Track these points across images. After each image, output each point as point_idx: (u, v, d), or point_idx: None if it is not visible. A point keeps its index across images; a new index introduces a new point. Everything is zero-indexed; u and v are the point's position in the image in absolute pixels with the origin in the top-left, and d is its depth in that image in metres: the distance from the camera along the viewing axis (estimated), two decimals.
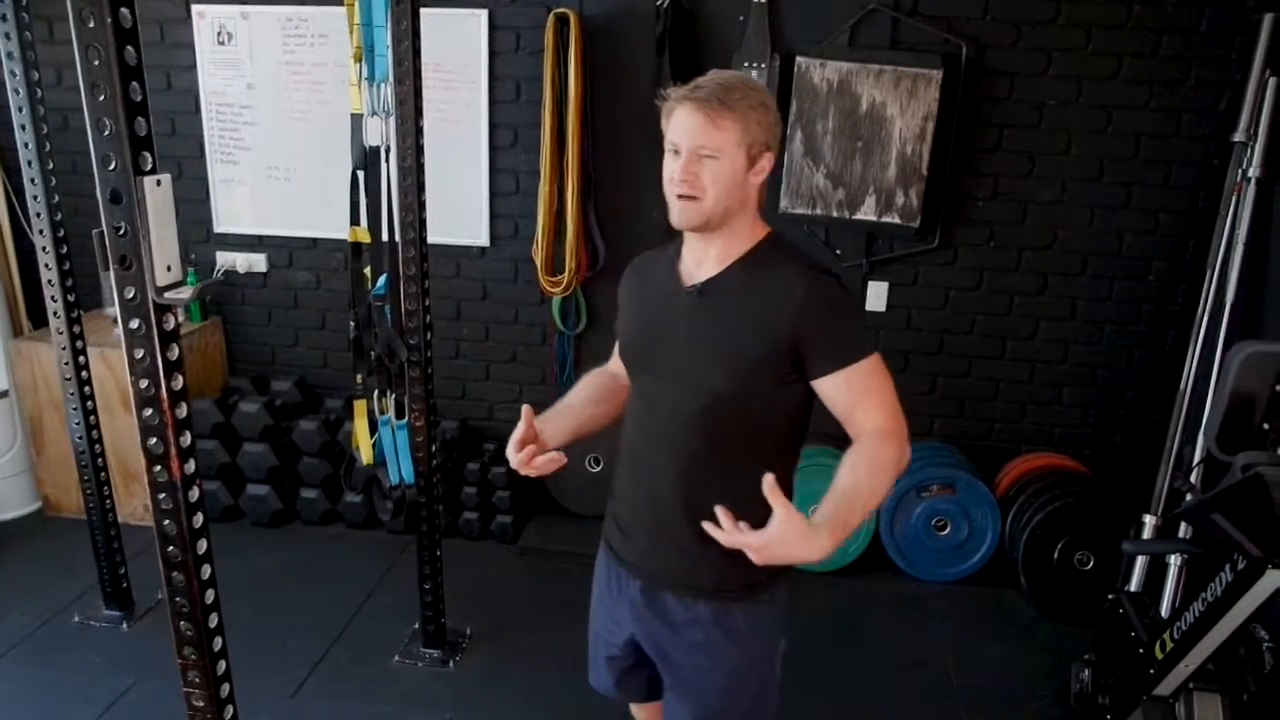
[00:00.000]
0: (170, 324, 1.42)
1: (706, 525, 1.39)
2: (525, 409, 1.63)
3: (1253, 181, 3.04)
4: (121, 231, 1.34)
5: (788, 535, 1.31)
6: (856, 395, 1.48)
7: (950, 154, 3.29)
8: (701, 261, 1.57)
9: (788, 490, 1.53)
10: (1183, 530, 2.98)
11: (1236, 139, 3.08)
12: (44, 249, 2.79)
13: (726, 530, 1.36)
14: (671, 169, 1.49)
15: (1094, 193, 3.34)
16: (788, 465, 1.61)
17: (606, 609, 1.79)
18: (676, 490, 1.58)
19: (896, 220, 3.29)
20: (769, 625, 1.65)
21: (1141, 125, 3.25)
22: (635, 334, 1.68)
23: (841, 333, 1.49)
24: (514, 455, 1.60)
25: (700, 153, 1.46)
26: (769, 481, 1.32)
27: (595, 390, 1.81)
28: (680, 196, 1.48)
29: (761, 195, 1.55)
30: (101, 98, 1.28)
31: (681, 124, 1.46)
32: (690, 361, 1.55)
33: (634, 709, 2.00)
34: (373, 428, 2.74)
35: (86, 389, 2.93)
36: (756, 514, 1.34)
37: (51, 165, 2.79)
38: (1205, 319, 3.14)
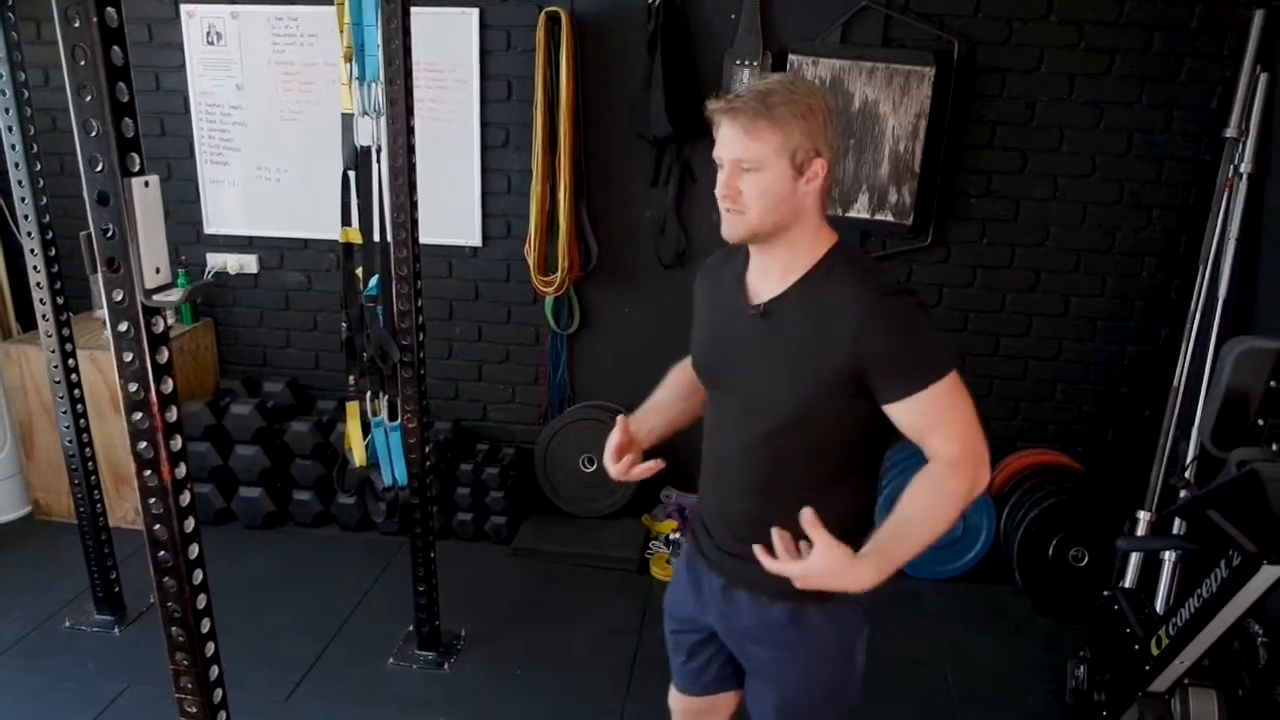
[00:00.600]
0: (159, 327, 1.40)
1: (757, 550, 1.41)
2: (620, 418, 1.61)
3: (1244, 177, 3.04)
4: (109, 234, 1.33)
5: (830, 566, 1.35)
6: (928, 421, 1.42)
7: (943, 151, 3.28)
8: (766, 276, 1.52)
9: (869, 505, 1.57)
10: (1177, 526, 2.99)
11: (1228, 135, 3.09)
12: (32, 251, 2.77)
13: (779, 556, 1.38)
14: (719, 181, 1.45)
15: (1086, 189, 3.34)
16: (863, 481, 1.58)
17: (690, 598, 1.76)
18: (746, 507, 1.58)
19: (889, 218, 3.28)
20: (846, 622, 1.61)
21: (1133, 121, 3.25)
22: (705, 348, 1.66)
23: (906, 357, 1.41)
24: (612, 465, 1.59)
25: (741, 165, 1.41)
26: (808, 516, 1.36)
27: (681, 385, 1.77)
28: (727, 210, 1.45)
29: (822, 203, 1.48)
30: (88, 98, 1.26)
31: (722, 136, 1.43)
32: (755, 384, 1.52)
33: (676, 701, 1.95)
34: (365, 429, 2.73)
35: (76, 392, 2.91)
36: (830, 525, 1.37)
37: (39, 166, 2.77)
38: (1198, 315, 3.14)
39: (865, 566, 1.36)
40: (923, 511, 1.40)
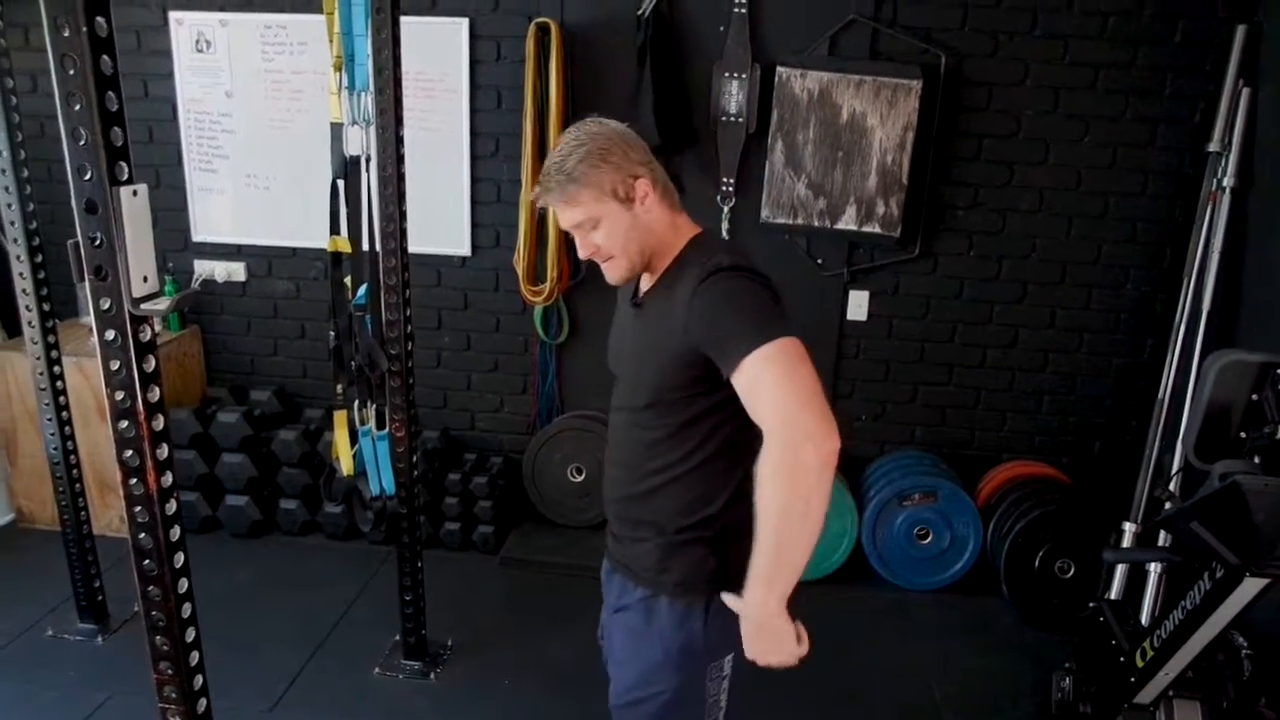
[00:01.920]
0: (146, 335, 1.40)
1: None
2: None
3: (1227, 191, 3.08)
4: (97, 242, 1.32)
5: (749, 637, 1.50)
6: (750, 393, 1.39)
7: (930, 164, 3.31)
8: (648, 277, 1.63)
9: (726, 493, 1.55)
10: (1162, 538, 3.00)
11: (1211, 149, 3.12)
12: (18, 257, 2.75)
13: None
14: (578, 248, 1.58)
15: (1072, 202, 3.37)
16: (721, 468, 1.55)
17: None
18: (620, 487, 1.66)
19: (877, 230, 3.30)
20: (700, 637, 1.59)
21: (1118, 135, 3.29)
22: (610, 343, 1.77)
23: (726, 329, 1.41)
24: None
25: (582, 230, 1.54)
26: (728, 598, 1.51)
27: None
28: (601, 263, 1.58)
29: (666, 205, 1.56)
30: (77, 107, 1.26)
31: (554, 214, 1.59)
32: (630, 371, 1.64)
33: None
34: (353, 438, 2.72)
35: (61, 399, 2.89)
36: (692, 518, 1.55)
37: (26, 173, 2.75)
38: (1182, 327, 3.17)
39: (753, 604, 1.44)
40: (766, 504, 1.36)
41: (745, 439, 1.46)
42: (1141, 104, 3.25)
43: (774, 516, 1.36)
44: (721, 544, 1.57)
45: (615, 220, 1.52)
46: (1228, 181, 3.08)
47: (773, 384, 1.36)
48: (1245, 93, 3.05)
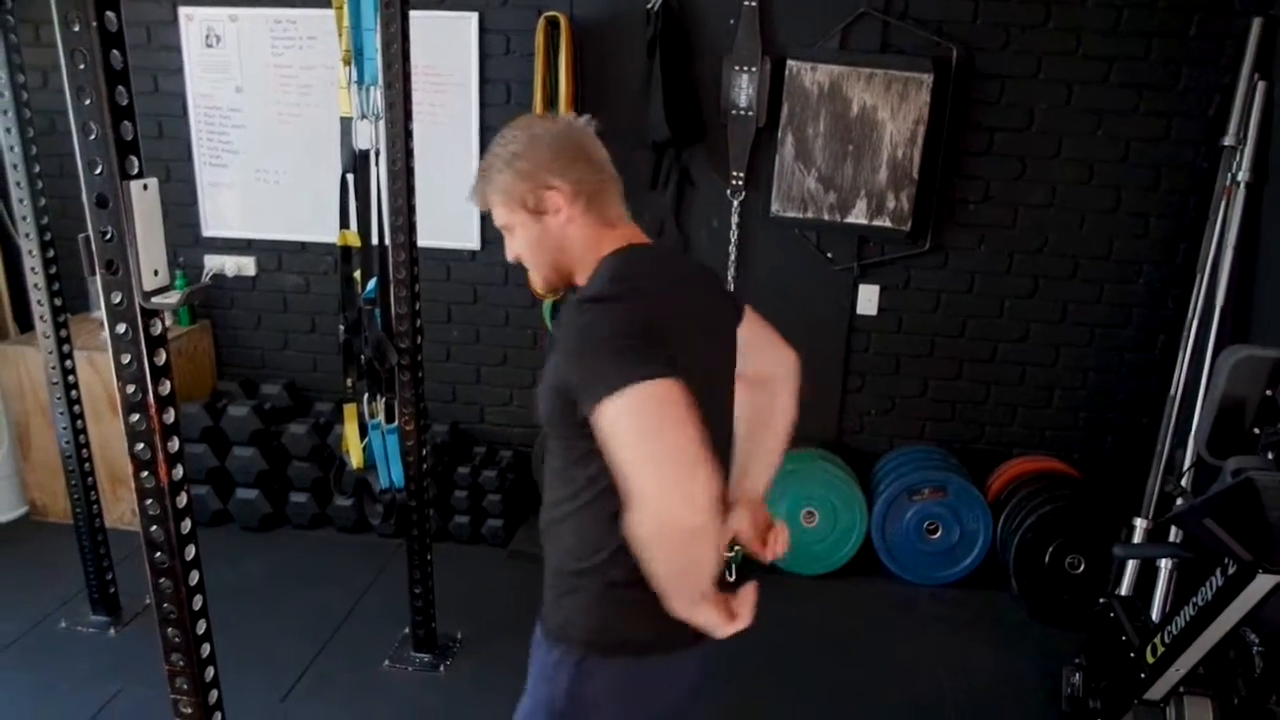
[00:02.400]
0: (157, 329, 1.41)
1: None
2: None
3: (1242, 185, 3.05)
4: (108, 236, 1.33)
5: None
6: (609, 449, 1.20)
7: (941, 157, 3.29)
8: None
9: (619, 540, 1.27)
10: (1174, 534, 2.99)
11: (1226, 143, 3.10)
12: (30, 252, 2.77)
13: None
14: None
15: (1084, 196, 3.35)
16: (618, 518, 1.25)
17: None
18: (541, 515, 1.53)
19: (888, 224, 3.29)
20: (564, 695, 1.44)
21: (1131, 129, 3.26)
22: None
23: (583, 371, 1.24)
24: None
25: (504, 232, 1.48)
26: None
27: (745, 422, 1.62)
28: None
29: (590, 219, 1.42)
30: (87, 102, 1.27)
31: None
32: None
33: None
34: (363, 432, 2.73)
35: (74, 393, 2.91)
36: (577, 562, 1.41)
37: (38, 168, 2.77)
38: (1195, 323, 3.15)
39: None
40: (647, 563, 1.22)
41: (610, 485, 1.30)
42: (1155, 98, 3.22)
43: (658, 577, 1.23)
44: (603, 602, 1.41)
45: (524, 230, 1.45)
46: (1242, 176, 3.05)
47: (623, 446, 1.18)
48: (1261, 86, 3.02)
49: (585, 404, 1.21)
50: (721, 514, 1.22)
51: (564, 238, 1.43)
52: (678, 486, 1.14)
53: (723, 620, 1.28)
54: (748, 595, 1.32)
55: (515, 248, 1.48)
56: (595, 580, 1.41)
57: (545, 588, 1.52)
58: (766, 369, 1.60)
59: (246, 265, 3.82)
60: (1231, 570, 1.97)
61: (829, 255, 3.49)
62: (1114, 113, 3.25)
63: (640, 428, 1.17)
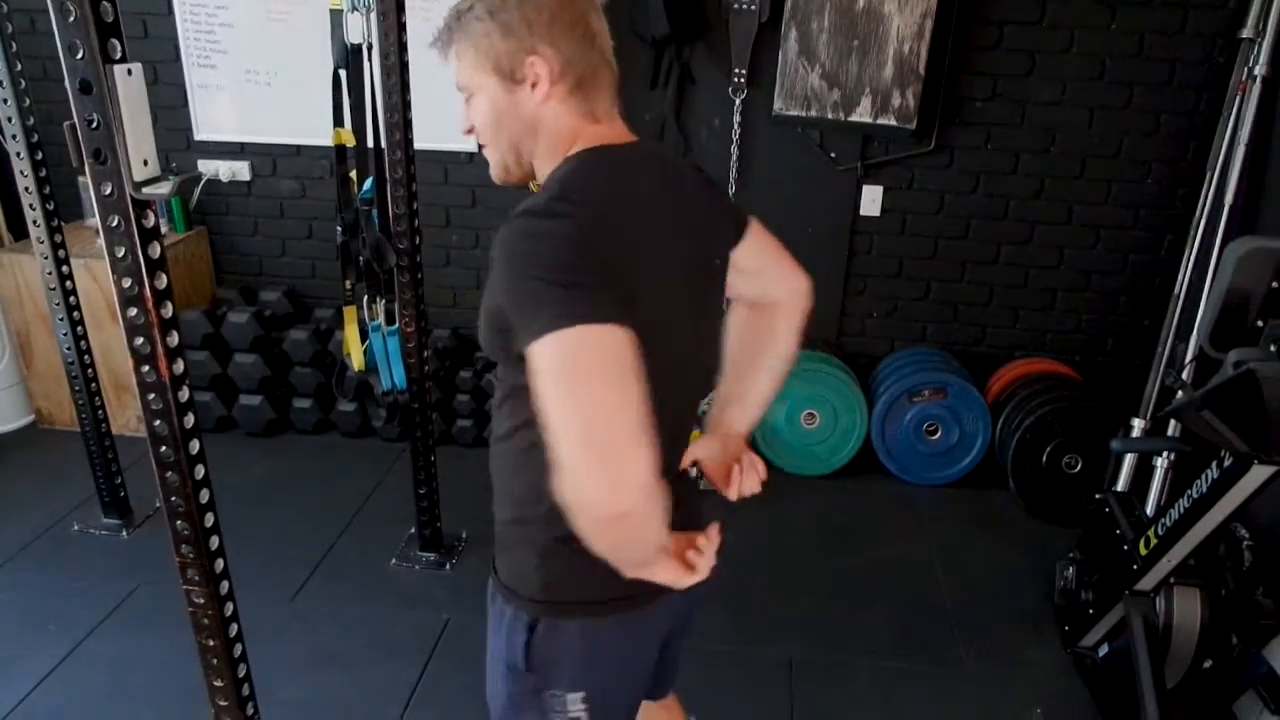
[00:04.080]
0: (150, 221, 1.38)
1: None
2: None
3: (1258, 80, 2.97)
4: (94, 124, 1.29)
5: None
6: (536, 394, 1.00)
7: (949, 52, 3.20)
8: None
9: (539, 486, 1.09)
10: (1171, 429, 3.01)
11: (1244, 35, 3.00)
12: (18, 154, 2.71)
13: None
14: None
15: (1095, 93, 3.27)
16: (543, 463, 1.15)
17: None
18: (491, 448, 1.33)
19: (892, 122, 3.22)
20: (522, 658, 1.28)
21: (1146, 21, 3.16)
22: None
23: (512, 302, 1.04)
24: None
25: (464, 97, 1.22)
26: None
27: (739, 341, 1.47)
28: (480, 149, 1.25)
29: (577, 102, 1.19)
30: None
31: None
32: None
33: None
34: (363, 335, 2.72)
35: (72, 299, 2.90)
36: (519, 509, 1.25)
37: (20, 68, 2.70)
38: (1203, 221, 3.11)
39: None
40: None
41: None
42: None
43: (592, 547, 1.05)
44: (549, 558, 1.24)
45: (489, 98, 1.19)
46: (1259, 70, 2.96)
47: (548, 402, 0.98)
48: None
49: (519, 337, 1.01)
50: (663, 487, 1.02)
51: (536, 119, 1.18)
52: (604, 468, 0.96)
53: (681, 574, 1.14)
54: (710, 540, 1.19)
55: (473, 118, 1.22)
56: (539, 533, 1.22)
57: (498, 535, 1.33)
58: (771, 295, 1.42)
59: (241, 170, 3.76)
60: (1227, 462, 1.99)
61: (832, 155, 3.43)
62: (1129, 4, 3.15)
63: (569, 386, 0.97)
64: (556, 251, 1.02)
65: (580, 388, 0.97)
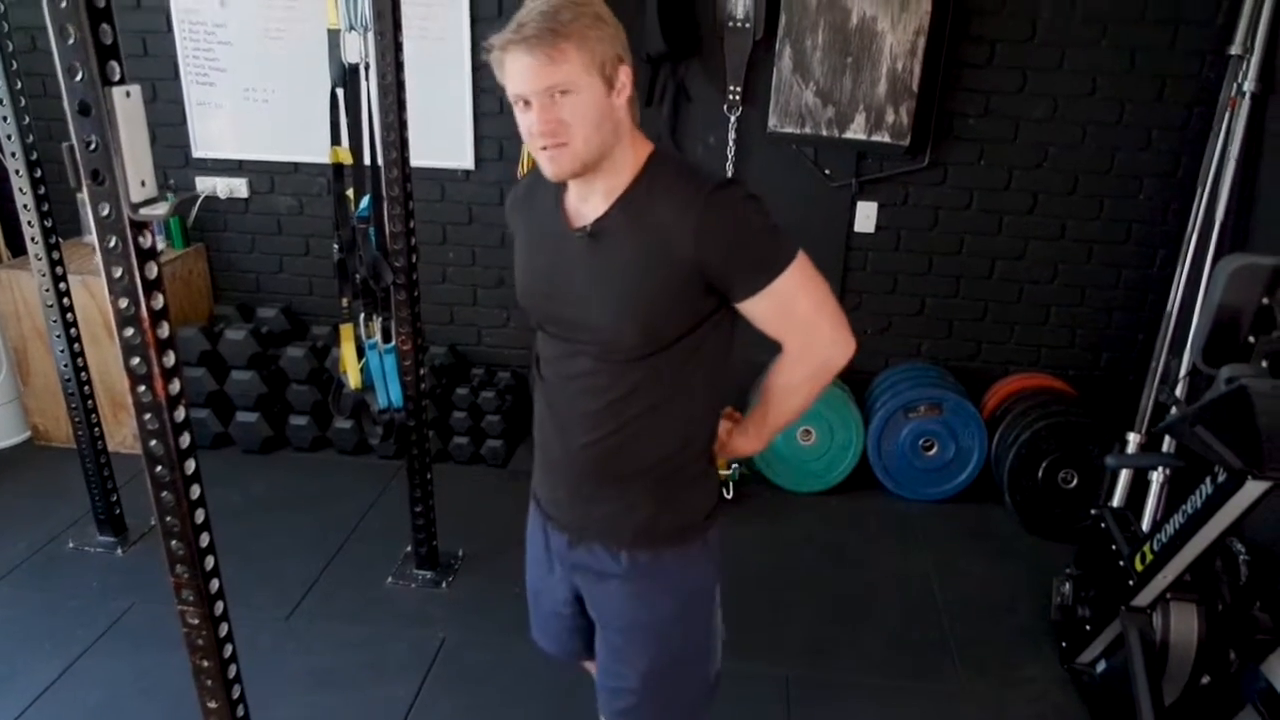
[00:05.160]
0: (147, 241, 1.39)
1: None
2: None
3: (1247, 96, 3.00)
4: (92, 145, 1.30)
5: (732, 439, 1.62)
6: (776, 314, 1.40)
7: (941, 70, 3.22)
8: (587, 198, 1.41)
9: (712, 413, 1.55)
10: (1166, 446, 3.02)
11: (1233, 52, 3.03)
12: (17, 172, 2.73)
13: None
14: (528, 122, 1.32)
15: (1086, 109, 3.30)
16: (714, 402, 1.54)
17: (543, 566, 1.69)
18: (595, 438, 1.47)
19: (886, 139, 3.24)
20: (703, 570, 1.58)
21: (1136, 38, 3.19)
22: (531, 281, 1.54)
23: (747, 253, 1.35)
24: None
25: (552, 94, 1.28)
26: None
27: None
28: (546, 148, 1.33)
29: (632, 112, 1.38)
30: (63, 4, 1.23)
31: (519, 71, 1.28)
32: (592, 309, 1.41)
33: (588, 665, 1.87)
34: (360, 352, 2.73)
35: (69, 316, 2.90)
36: (685, 453, 1.50)
37: (20, 86, 2.71)
38: (1194, 237, 3.13)
39: (752, 449, 1.62)
40: (791, 400, 1.53)
41: (721, 365, 1.49)
42: (1161, 6, 3.14)
43: (790, 407, 1.54)
44: (708, 478, 1.57)
45: (593, 99, 1.30)
46: (1248, 86, 2.99)
47: (808, 301, 1.40)
48: None
49: (760, 277, 1.35)
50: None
51: (617, 122, 1.35)
52: (846, 328, 1.44)
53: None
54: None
55: (563, 113, 1.29)
56: (702, 461, 1.54)
57: (616, 515, 1.52)
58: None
59: (239, 187, 3.78)
60: (1221, 478, 1.99)
61: (827, 172, 3.45)
62: (1119, 21, 3.18)
63: (817, 283, 1.41)
64: (761, 206, 1.37)
65: (820, 285, 1.41)
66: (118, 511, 3.13)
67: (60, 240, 2.86)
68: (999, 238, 3.50)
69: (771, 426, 1.59)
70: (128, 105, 1.30)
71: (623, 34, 1.35)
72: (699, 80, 3.39)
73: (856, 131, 3.24)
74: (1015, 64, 3.27)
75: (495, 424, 3.65)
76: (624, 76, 1.35)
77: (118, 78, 1.29)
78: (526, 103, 1.31)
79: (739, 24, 3.23)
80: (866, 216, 3.49)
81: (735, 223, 1.34)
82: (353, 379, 2.74)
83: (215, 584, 1.69)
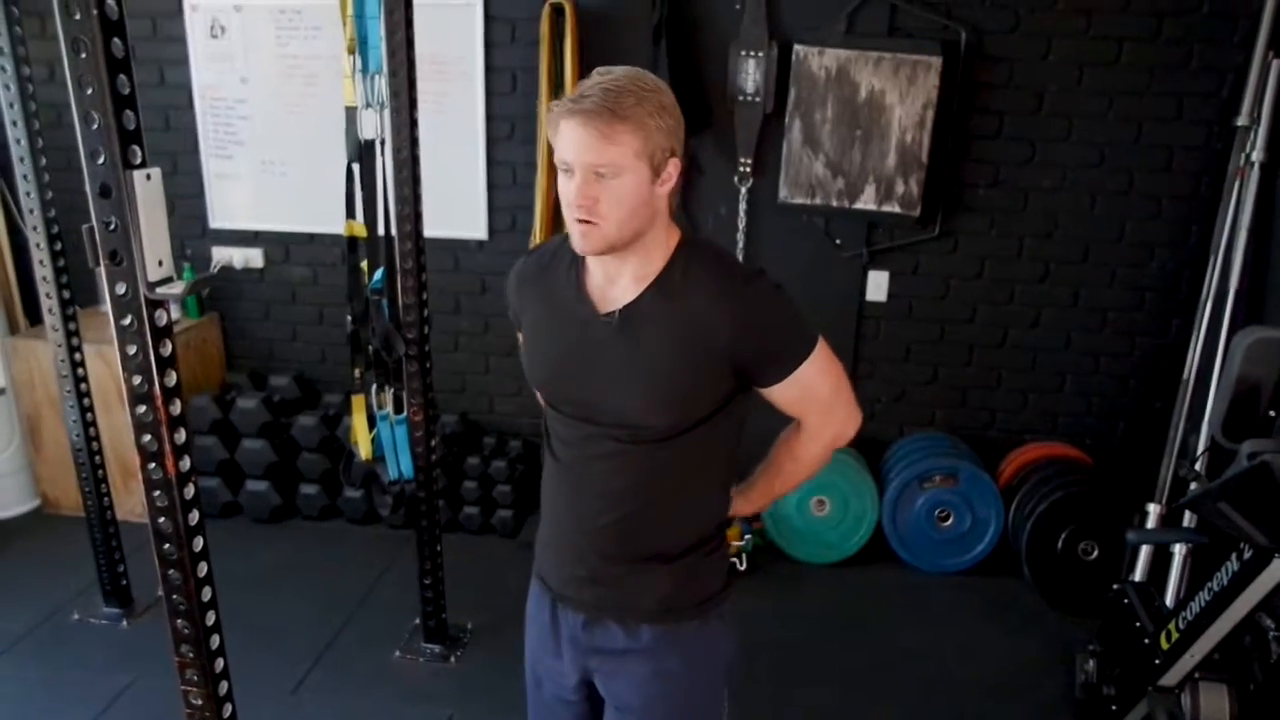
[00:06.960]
0: (163, 320, 1.40)
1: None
2: None
3: (1256, 166, 3.01)
4: (111, 226, 1.32)
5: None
6: (799, 396, 1.46)
7: (950, 141, 3.26)
8: (614, 280, 1.40)
9: (726, 495, 1.58)
10: (1188, 519, 2.96)
11: (1239, 123, 3.06)
12: (38, 245, 2.77)
13: None
14: (568, 191, 1.31)
15: (1095, 179, 3.32)
16: (729, 477, 1.57)
17: (549, 650, 1.62)
18: (614, 521, 1.46)
19: (897, 209, 3.26)
20: (722, 641, 1.58)
21: (1143, 110, 3.23)
22: (547, 366, 1.51)
23: (779, 341, 1.41)
24: None
25: (596, 171, 1.28)
26: None
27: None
28: (580, 221, 1.31)
29: (672, 204, 1.39)
30: (89, 91, 1.25)
31: (570, 140, 1.28)
32: (620, 397, 1.40)
33: None
34: (371, 423, 2.72)
35: (83, 385, 2.92)
36: (705, 528, 1.52)
37: (44, 161, 2.77)
38: (1209, 306, 3.12)
39: (749, 501, 1.65)
40: (800, 470, 1.59)
41: (736, 442, 1.52)
42: (1168, 77, 3.18)
43: (799, 477, 1.60)
44: (723, 555, 1.58)
45: (635, 185, 1.30)
46: (1256, 156, 3.01)
47: (828, 384, 1.47)
48: (1275, 64, 2.98)
49: (789, 363, 1.40)
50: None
51: (656, 211, 1.36)
52: (856, 407, 1.53)
53: None
54: None
55: (602, 194, 1.29)
56: (718, 540, 1.56)
57: (637, 591, 1.50)
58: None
59: (254, 257, 3.82)
60: (1247, 555, 1.95)
61: (837, 242, 3.47)
62: (1125, 94, 3.22)
63: (835, 366, 1.47)
64: (789, 297, 1.42)
65: (837, 367, 1.48)
66: (124, 582, 3.10)
67: (78, 309, 2.90)
68: (1011, 306, 3.50)
69: (776, 493, 1.65)
70: (148, 188, 1.32)
71: (682, 128, 1.35)
72: (710, 152, 3.43)
73: (867, 202, 3.27)
74: (1023, 135, 3.30)
75: (506, 494, 3.62)
76: (672, 168, 1.35)
77: (139, 161, 1.31)
78: (569, 170, 1.31)
79: (749, 98, 3.29)
80: (878, 285, 3.50)
81: (768, 314, 1.39)
82: (364, 450, 2.74)
83: (220, 663, 1.66)
